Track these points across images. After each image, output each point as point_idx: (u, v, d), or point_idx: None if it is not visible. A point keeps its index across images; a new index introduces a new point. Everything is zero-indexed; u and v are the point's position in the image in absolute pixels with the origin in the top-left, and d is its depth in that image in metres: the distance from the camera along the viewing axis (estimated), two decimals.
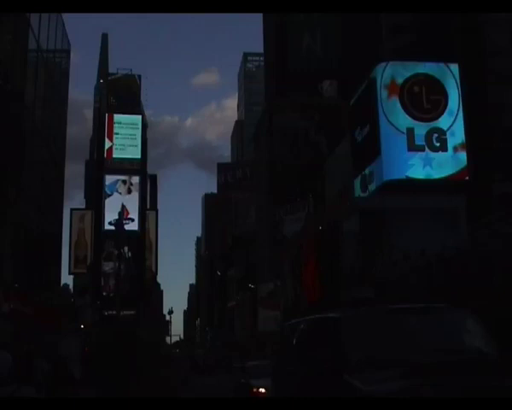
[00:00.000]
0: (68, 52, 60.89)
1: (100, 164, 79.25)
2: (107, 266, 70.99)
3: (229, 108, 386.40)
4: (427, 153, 41.78)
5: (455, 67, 43.30)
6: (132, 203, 75.69)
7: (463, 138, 41.99)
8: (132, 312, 68.13)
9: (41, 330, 35.46)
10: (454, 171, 41.62)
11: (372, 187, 43.17)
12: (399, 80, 42.80)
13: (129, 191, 76.48)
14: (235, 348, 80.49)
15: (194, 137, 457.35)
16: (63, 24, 54.65)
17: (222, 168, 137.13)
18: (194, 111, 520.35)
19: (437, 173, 41.53)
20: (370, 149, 43.48)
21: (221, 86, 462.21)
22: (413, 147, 41.70)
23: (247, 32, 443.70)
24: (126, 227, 62.28)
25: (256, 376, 20.92)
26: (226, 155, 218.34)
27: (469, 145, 41.60)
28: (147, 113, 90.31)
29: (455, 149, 41.96)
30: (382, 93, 42.93)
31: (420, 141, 41.80)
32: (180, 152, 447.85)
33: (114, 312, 54.78)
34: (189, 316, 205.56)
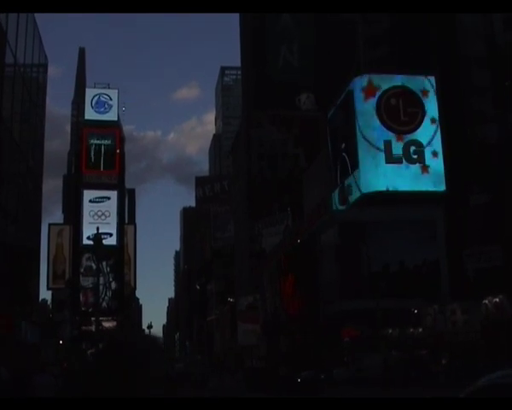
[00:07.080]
0: (46, 66, 60.43)
1: (77, 178, 78.72)
2: (86, 281, 70.41)
3: (209, 123, 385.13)
4: (405, 165, 42.06)
5: (432, 79, 43.64)
6: (111, 218, 75.24)
7: (440, 149, 42.29)
8: (111, 324, 67.73)
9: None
10: (431, 182, 41.96)
11: (351, 199, 43.34)
12: (377, 93, 43.09)
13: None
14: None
15: (175, 152, 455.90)
16: (40, 38, 54.33)
17: (200, 182, 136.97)
18: (176, 126, 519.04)
19: (414, 186, 41.80)
20: (348, 162, 43.67)
21: (202, 101, 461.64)
22: (391, 159, 41.93)
23: (226, 47, 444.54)
24: (105, 242, 61.74)
25: None
26: (206, 169, 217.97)
27: (447, 157, 41.89)
28: (129, 127, 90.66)
29: (431, 159, 42.30)
30: (359, 105, 43.20)
31: (397, 153, 42.04)
32: (161, 166, 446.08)
33: (93, 327, 54.31)
34: (168, 330, 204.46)
